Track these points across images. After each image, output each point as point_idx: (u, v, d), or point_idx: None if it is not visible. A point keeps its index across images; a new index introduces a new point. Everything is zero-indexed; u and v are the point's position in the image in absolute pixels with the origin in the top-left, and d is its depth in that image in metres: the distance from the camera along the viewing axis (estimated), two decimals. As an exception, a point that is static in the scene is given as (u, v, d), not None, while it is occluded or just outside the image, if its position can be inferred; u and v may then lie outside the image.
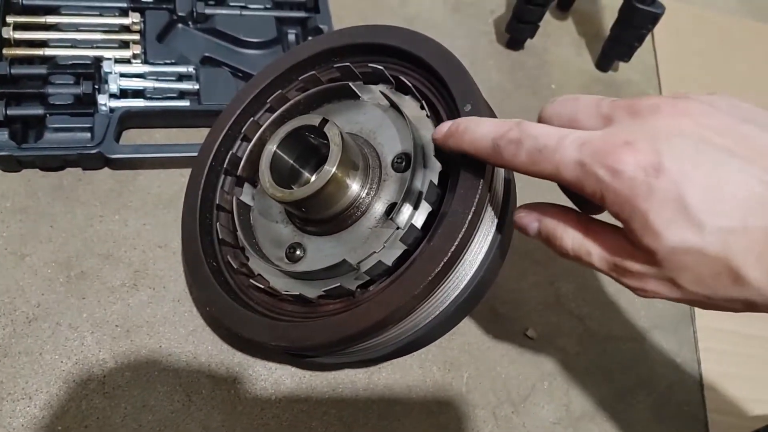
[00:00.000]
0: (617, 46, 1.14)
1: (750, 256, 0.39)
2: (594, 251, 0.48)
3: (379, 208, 0.62)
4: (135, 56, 0.88)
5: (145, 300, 0.74)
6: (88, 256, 0.75)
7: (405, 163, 0.62)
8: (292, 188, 0.62)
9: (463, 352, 0.79)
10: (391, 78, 0.67)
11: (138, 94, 0.86)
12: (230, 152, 0.73)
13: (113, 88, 0.84)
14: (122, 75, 0.85)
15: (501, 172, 0.61)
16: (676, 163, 0.40)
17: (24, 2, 0.89)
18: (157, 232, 0.79)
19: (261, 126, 0.72)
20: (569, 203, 0.54)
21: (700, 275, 0.42)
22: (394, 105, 0.65)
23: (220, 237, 0.69)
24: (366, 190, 0.62)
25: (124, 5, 0.93)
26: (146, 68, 0.87)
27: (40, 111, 0.80)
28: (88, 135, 0.81)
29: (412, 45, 0.65)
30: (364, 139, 0.66)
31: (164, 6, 0.95)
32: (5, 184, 0.78)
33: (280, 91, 0.73)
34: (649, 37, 1.12)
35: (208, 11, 0.96)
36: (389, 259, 0.58)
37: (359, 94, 0.69)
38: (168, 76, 0.88)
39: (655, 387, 0.83)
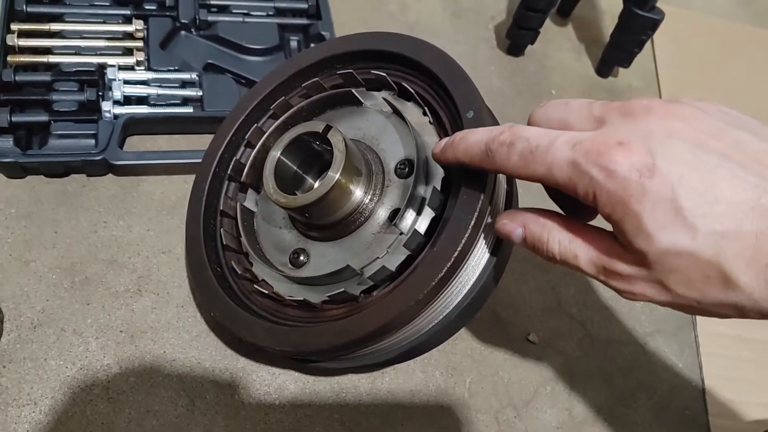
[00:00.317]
0: (617, 51, 1.14)
1: (741, 261, 0.40)
2: (581, 254, 0.48)
3: (382, 213, 0.63)
4: (138, 63, 0.89)
5: (149, 305, 0.74)
6: (93, 262, 0.76)
7: (408, 169, 0.63)
8: (295, 194, 0.63)
9: (465, 356, 0.79)
10: (393, 84, 0.67)
11: (142, 100, 0.87)
12: (234, 158, 0.74)
13: (117, 94, 0.84)
14: (126, 82, 0.86)
15: (503, 178, 0.61)
16: (671, 165, 0.40)
17: (28, 9, 0.89)
18: (161, 238, 0.79)
19: (265, 132, 0.73)
20: (555, 209, 0.54)
21: (690, 278, 0.42)
22: (396, 111, 0.65)
23: (224, 242, 0.70)
24: (369, 196, 0.63)
25: (128, 13, 0.93)
26: (150, 75, 0.88)
27: (44, 118, 0.81)
28: (92, 141, 0.82)
29: (414, 52, 0.66)
30: (367, 145, 0.67)
31: (167, 13, 0.95)
32: (9, 191, 0.79)
33: (283, 97, 0.74)
34: (648, 43, 1.13)
35: (210, 18, 0.96)
36: (392, 265, 0.58)
37: (362, 101, 0.69)
38: (171, 82, 0.89)
39: (657, 391, 0.84)
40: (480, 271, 0.59)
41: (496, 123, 0.65)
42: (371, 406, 0.73)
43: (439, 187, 0.59)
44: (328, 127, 0.61)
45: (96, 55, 0.89)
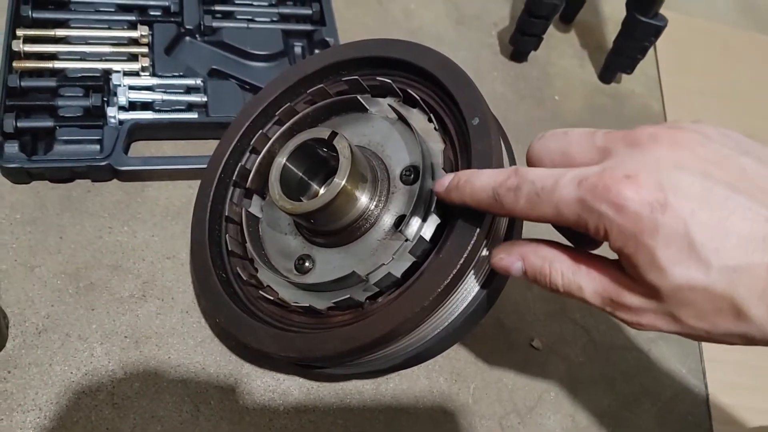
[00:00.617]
0: (620, 58, 1.15)
1: (753, 294, 0.40)
2: (586, 285, 0.47)
3: (387, 220, 0.63)
4: (143, 69, 0.89)
5: (153, 311, 0.74)
6: (97, 268, 0.76)
7: (413, 175, 0.63)
8: (301, 200, 0.63)
9: (469, 362, 0.79)
10: (398, 91, 0.68)
11: (146, 106, 0.87)
12: (239, 164, 0.74)
13: (122, 100, 0.84)
14: (131, 87, 0.86)
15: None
16: (682, 200, 0.40)
17: (34, 15, 0.90)
18: (166, 244, 0.79)
19: (270, 138, 0.73)
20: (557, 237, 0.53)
21: (702, 311, 0.42)
22: (402, 118, 0.66)
23: (230, 248, 0.70)
24: (375, 203, 0.63)
25: (133, 18, 0.94)
26: (155, 81, 0.88)
27: (49, 123, 0.81)
28: (97, 147, 0.82)
29: (419, 58, 0.66)
30: (372, 152, 0.67)
31: (172, 19, 0.96)
32: (15, 196, 0.79)
33: (288, 103, 0.74)
34: (651, 49, 1.13)
35: (215, 24, 0.97)
36: (398, 271, 0.58)
37: (367, 107, 0.69)
38: (176, 88, 0.89)
39: (660, 397, 0.84)
40: (485, 278, 0.59)
41: (501, 129, 0.65)
42: (375, 411, 0.73)
43: (444, 194, 0.59)
44: (334, 134, 0.61)
45: (101, 60, 0.89)
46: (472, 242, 0.54)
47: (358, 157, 0.61)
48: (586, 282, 0.47)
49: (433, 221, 0.59)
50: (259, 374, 0.73)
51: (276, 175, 0.63)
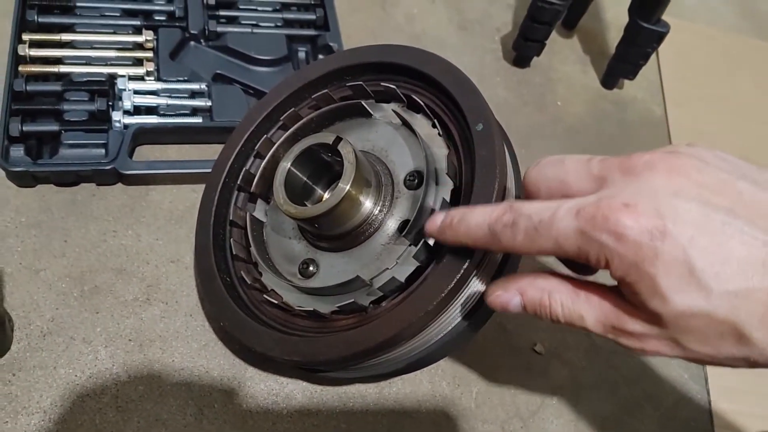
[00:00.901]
0: (622, 64, 1.15)
1: (754, 318, 0.40)
2: (587, 314, 0.47)
3: (391, 224, 0.63)
4: (148, 73, 0.90)
5: (157, 314, 0.75)
6: (102, 271, 0.76)
7: (417, 180, 0.63)
8: (305, 205, 0.64)
9: (472, 367, 0.80)
10: (402, 96, 0.68)
11: (151, 110, 0.87)
12: (244, 169, 0.74)
13: (127, 104, 0.85)
14: (136, 92, 0.87)
15: (513, 189, 0.62)
16: (681, 227, 0.40)
17: (39, 20, 0.90)
18: (170, 247, 0.80)
19: (274, 143, 0.73)
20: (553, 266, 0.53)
21: (705, 336, 0.42)
22: (406, 123, 0.66)
23: (234, 252, 0.70)
24: (379, 207, 0.63)
25: (138, 23, 0.94)
26: (159, 85, 0.89)
27: (55, 127, 0.82)
28: (102, 151, 0.82)
29: (423, 64, 0.67)
30: (376, 157, 0.67)
31: (177, 24, 0.96)
32: (20, 200, 0.79)
33: (293, 108, 0.74)
34: (653, 55, 1.13)
35: (219, 29, 0.97)
36: (402, 276, 0.59)
37: (371, 113, 0.70)
38: (181, 92, 0.89)
39: (662, 402, 0.84)
40: (489, 283, 0.59)
41: (504, 135, 0.65)
42: (378, 415, 0.73)
43: (448, 199, 0.59)
44: (339, 139, 0.61)
45: (106, 65, 0.89)
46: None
47: (362, 162, 0.61)
48: (587, 310, 0.47)
49: (437, 226, 0.59)
50: (262, 378, 0.73)
51: (281, 180, 0.63)
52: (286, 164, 0.64)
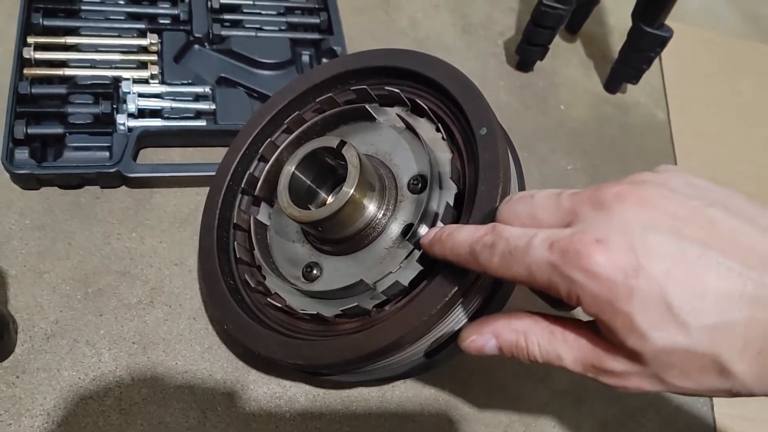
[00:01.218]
0: (626, 68, 1.15)
1: (734, 351, 0.39)
2: (565, 354, 0.46)
3: (395, 228, 0.63)
4: (153, 77, 0.90)
5: (161, 317, 0.75)
6: (106, 274, 0.76)
7: (421, 184, 0.63)
8: (309, 208, 0.64)
9: (474, 371, 0.80)
10: (407, 100, 0.68)
11: (155, 113, 0.88)
12: (248, 172, 0.74)
13: (131, 107, 0.85)
14: (140, 95, 0.87)
15: (515, 191, 0.62)
16: (655, 262, 0.39)
17: (44, 23, 0.91)
18: (173, 250, 0.80)
19: (278, 147, 0.73)
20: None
21: (687, 371, 0.41)
22: (409, 127, 0.66)
23: (238, 255, 0.70)
24: (382, 211, 0.63)
25: (143, 27, 0.95)
26: (164, 88, 0.89)
27: (59, 130, 0.82)
28: (107, 154, 0.83)
29: (428, 69, 0.67)
30: (380, 161, 0.67)
31: (181, 27, 0.97)
32: (24, 202, 0.80)
33: (297, 112, 0.75)
34: (656, 59, 1.13)
35: (224, 33, 0.98)
36: (405, 280, 0.59)
37: (375, 116, 0.70)
38: (185, 96, 0.90)
39: (665, 408, 0.84)
40: (492, 286, 0.59)
41: (508, 139, 0.66)
42: (381, 419, 0.73)
43: (452, 203, 0.60)
44: (343, 143, 0.62)
45: (111, 68, 0.89)
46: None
47: (366, 166, 0.61)
48: (565, 351, 0.46)
49: (441, 230, 0.59)
50: (265, 381, 0.73)
51: (285, 183, 0.63)
52: (290, 168, 0.64)
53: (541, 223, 0.47)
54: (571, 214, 0.45)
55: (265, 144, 0.75)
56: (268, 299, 0.67)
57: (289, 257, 0.69)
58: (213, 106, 0.89)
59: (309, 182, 0.67)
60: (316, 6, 1.06)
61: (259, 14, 1.03)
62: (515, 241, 0.44)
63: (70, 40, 0.90)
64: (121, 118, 0.84)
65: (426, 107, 0.66)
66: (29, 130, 0.80)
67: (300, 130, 0.73)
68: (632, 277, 0.39)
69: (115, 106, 0.85)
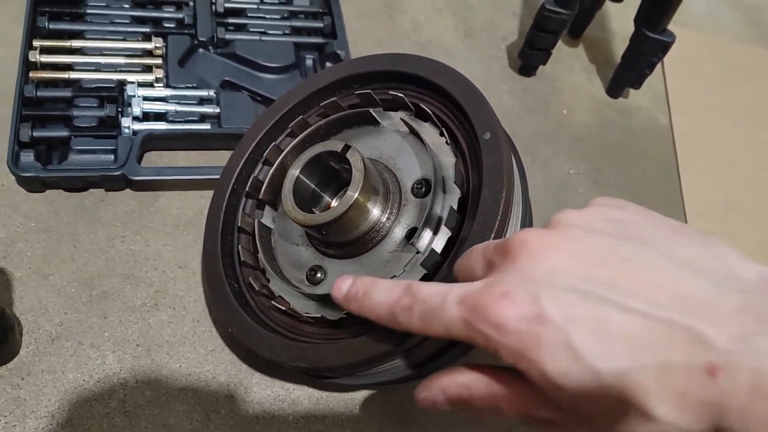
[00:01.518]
0: (628, 73, 1.16)
1: (650, 394, 0.37)
2: (504, 405, 0.45)
3: (399, 232, 0.63)
4: (157, 80, 0.90)
5: (165, 320, 0.75)
6: (110, 276, 0.77)
7: (425, 188, 0.64)
8: (313, 212, 0.64)
9: (477, 374, 0.80)
10: (410, 105, 0.68)
11: (160, 117, 0.88)
12: (252, 176, 0.75)
13: (136, 111, 0.86)
14: (145, 98, 0.87)
15: (519, 197, 0.62)
16: (558, 308, 0.38)
17: (50, 27, 0.91)
18: (177, 253, 0.80)
19: (282, 150, 0.74)
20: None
21: (610, 416, 0.40)
22: (413, 131, 0.66)
23: (242, 259, 0.71)
24: (386, 215, 0.63)
25: (147, 30, 0.95)
26: (168, 92, 0.89)
27: (64, 133, 0.82)
28: (111, 157, 0.83)
29: (432, 73, 0.67)
30: (384, 165, 0.68)
31: (186, 31, 0.97)
32: (29, 204, 0.80)
33: (301, 116, 0.75)
34: (659, 64, 1.14)
35: (228, 37, 0.98)
36: (409, 283, 0.59)
37: (379, 121, 0.70)
38: (189, 99, 0.90)
39: None
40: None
41: (511, 143, 0.66)
42: (384, 422, 0.74)
43: (455, 207, 0.60)
44: (347, 147, 0.62)
45: (116, 71, 0.90)
46: (483, 255, 0.54)
47: (370, 170, 0.61)
48: (504, 402, 0.45)
49: (444, 234, 0.60)
50: (269, 384, 0.73)
51: (289, 187, 0.64)
52: (294, 171, 0.65)
53: (474, 275, 0.47)
54: (489, 265, 0.45)
55: (269, 148, 0.76)
56: (272, 302, 0.67)
57: (293, 260, 0.69)
58: (217, 110, 0.90)
59: (313, 186, 0.67)
60: (320, 10, 1.07)
61: (263, 18, 1.03)
62: (431, 301, 0.45)
63: (76, 43, 0.91)
64: (125, 122, 0.84)
65: (430, 112, 0.66)
66: (34, 133, 0.80)
67: (304, 134, 0.73)
68: (538, 326, 0.39)
69: (119, 110, 0.86)
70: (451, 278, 0.55)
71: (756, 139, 1.23)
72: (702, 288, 0.39)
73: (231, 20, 1.01)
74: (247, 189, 0.75)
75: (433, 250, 0.58)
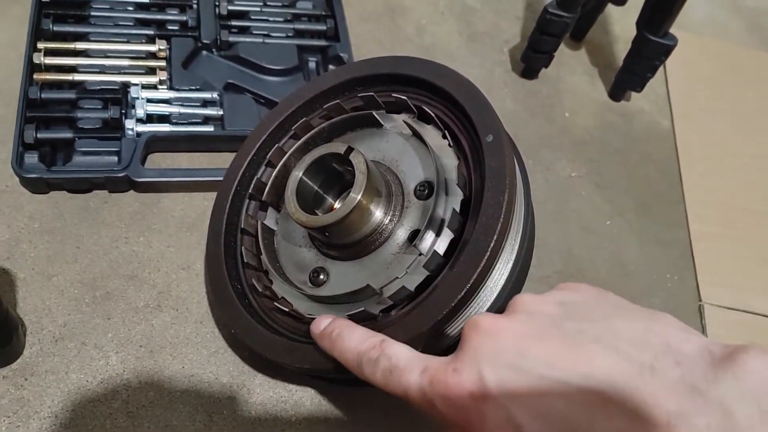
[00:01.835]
0: (630, 76, 1.16)
1: None
2: None
3: (401, 234, 0.64)
4: (161, 82, 0.91)
5: (168, 321, 0.75)
6: (113, 277, 0.77)
7: (427, 190, 0.64)
8: (316, 214, 0.64)
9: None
10: (413, 107, 0.69)
11: (164, 119, 0.89)
12: (255, 177, 0.75)
13: (140, 113, 0.86)
14: (149, 100, 0.88)
15: (521, 199, 0.62)
16: (499, 385, 0.41)
17: (54, 29, 0.92)
18: (181, 255, 0.81)
19: (286, 152, 0.74)
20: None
21: None
22: (416, 134, 0.67)
23: (245, 260, 0.71)
24: (389, 217, 0.64)
25: (151, 33, 0.96)
26: (172, 94, 0.90)
27: (69, 135, 0.83)
28: (115, 158, 0.83)
29: (435, 76, 0.67)
30: (387, 167, 0.68)
31: (190, 34, 0.98)
32: (33, 206, 0.80)
33: (304, 118, 0.75)
34: (661, 68, 1.14)
35: (231, 39, 0.99)
36: (412, 285, 0.59)
37: (382, 123, 0.70)
38: (193, 101, 0.90)
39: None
40: (498, 292, 0.59)
41: (513, 146, 0.66)
42: (387, 423, 0.74)
43: (458, 209, 0.60)
44: (350, 149, 0.62)
45: (120, 73, 0.91)
46: (486, 257, 0.54)
47: (373, 173, 0.62)
48: None
49: (447, 236, 0.60)
50: (271, 385, 0.73)
51: (292, 189, 0.64)
52: (297, 173, 0.65)
53: None
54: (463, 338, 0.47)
55: (272, 150, 0.76)
56: (275, 304, 0.67)
57: (296, 262, 0.70)
58: (220, 112, 0.90)
59: (316, 188, 0.68)
60: (323, 13, 1.07)
61: (267, 21, 1.04)
62: (396, 361, 0.47)
63: (80, 45, 0.91)
64: (129, 123, 0.85)
65: (433, 114, 0.67)
66: (39, 135, 0.81)
67: (307, 136, 0.74)
68: (482, 403, 0.41)
69: (123, 111, 0.86)
70: (452, 281, 0.55)
71: (758, 143, 1.23)
72: (638, 362, 0.40)
73: (234, 23, 1.01)
74: (250, 191, 0.75)
75: (435, 252, 0.59)
